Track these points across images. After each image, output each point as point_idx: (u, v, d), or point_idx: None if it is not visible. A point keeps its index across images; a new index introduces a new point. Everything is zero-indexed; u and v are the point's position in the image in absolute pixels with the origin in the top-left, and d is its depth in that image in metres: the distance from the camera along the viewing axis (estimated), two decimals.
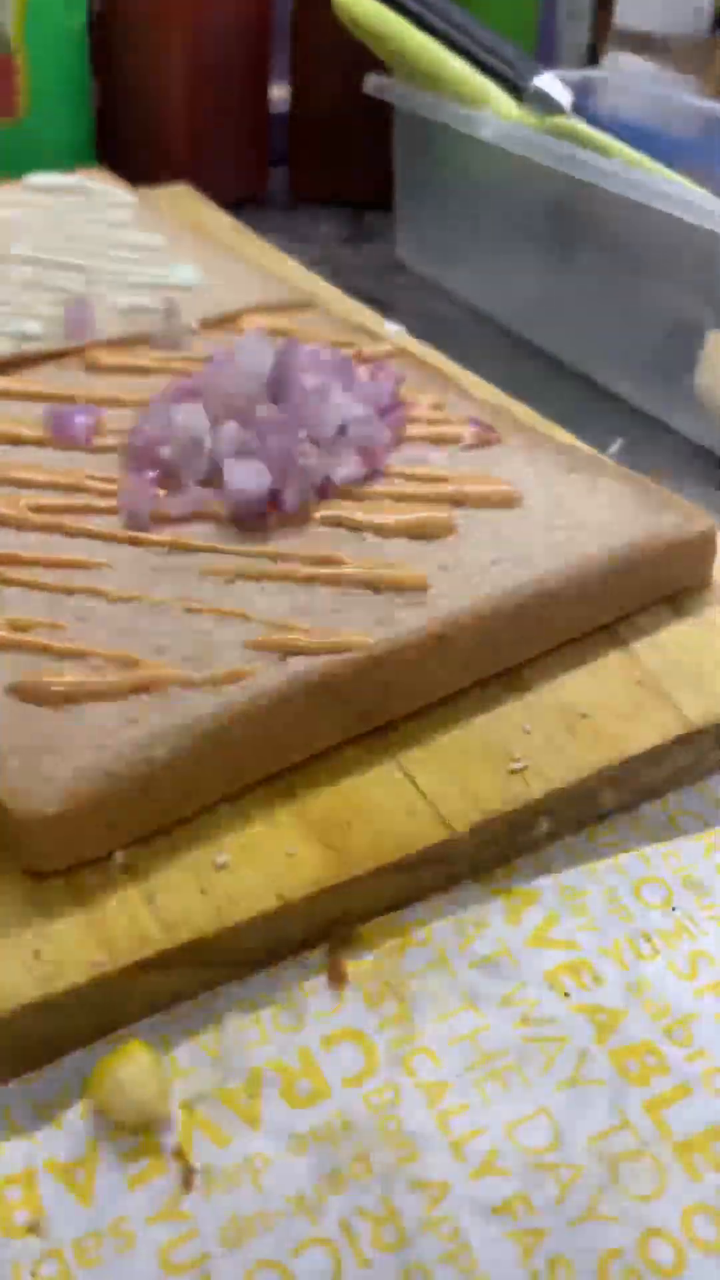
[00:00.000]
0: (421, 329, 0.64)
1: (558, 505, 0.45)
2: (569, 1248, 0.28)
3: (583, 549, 0.42)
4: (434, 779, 0.37)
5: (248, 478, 0.42)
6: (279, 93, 0.95)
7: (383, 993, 0.33)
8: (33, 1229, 0.27)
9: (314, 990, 0.33)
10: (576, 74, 0.83)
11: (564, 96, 0.71)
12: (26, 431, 0.48)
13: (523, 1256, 0.28)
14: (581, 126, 0.67)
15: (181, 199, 0.81)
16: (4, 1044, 0.29)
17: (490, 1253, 0.28)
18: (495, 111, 0.71)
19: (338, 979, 0.33)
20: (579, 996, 0.33)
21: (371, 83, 0.78)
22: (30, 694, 0.34)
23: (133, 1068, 0.30)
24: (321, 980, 0.33)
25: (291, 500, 0.42)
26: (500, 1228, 0.28)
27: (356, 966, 0.33)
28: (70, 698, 0.34)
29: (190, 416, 0.44)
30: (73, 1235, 0.27)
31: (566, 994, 0.33)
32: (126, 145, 0.90)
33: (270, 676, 0.36)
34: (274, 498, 0.43)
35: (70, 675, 0.35)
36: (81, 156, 0.85)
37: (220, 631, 0.37)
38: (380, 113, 0.83)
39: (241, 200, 0.90)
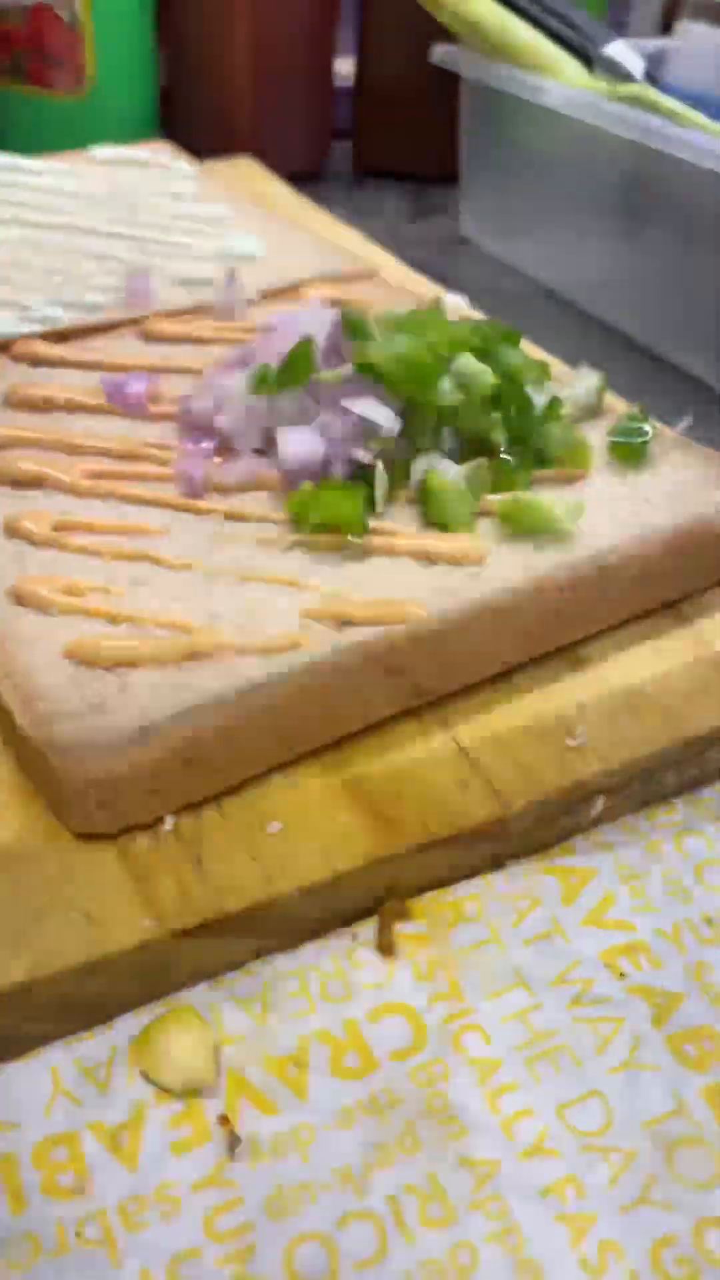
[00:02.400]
0: (485, 304, 0.63)
1: (622, 479, 0.44)
2: (620, 1233, 0.27)
3: (647, 523, 0.41)
4: (489, 754, 0.36)
5: (301, 446, 0.42)
6: (343, 66, 0.95)
7: (432, 967, 0.32)
8: (77, 1190, 0.27)
9: (363, 962, 0.32)
10: (649, 43, 0.81)
11: (636, 64, 0.70)
12: (85, 399, 0.47)
13: (573, 1240, 0.27)
14: (655, 93, 0.65)
15: (244, 171, 0.80)
16: (52, 1005, 0.29)
17: (539, 1235, 0.27)
18: (565, 80, 0.69)
19: (387, 952, 0.32)
20: (635, 978, 0.32)
21: (439, 53, 0.77)
22: (84, 657, 0.34)
23: (180, 1033, 0.29)
24: (371, 953, 0.33)
25: (343, 469, 0.42)
26: (549, 1210, 0.27)
27: (406, 940, 0.33)
28: (123, 662, 0.34)
29: (245, 384, 0.44)
30: (117, 1198, 0.27)
31: (622, 975, 0.32)
32: (191, 118, 0.90)
33: (324, 645, 0.35)
34: (326, 468, 0.42)
35: (124, 640, 0.35)
36: (146, 129, 0.85)
37: (274, 600, 0.37)
38: (446, 86, 0.82)
39: (304, 174, 0.89)
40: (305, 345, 0.43)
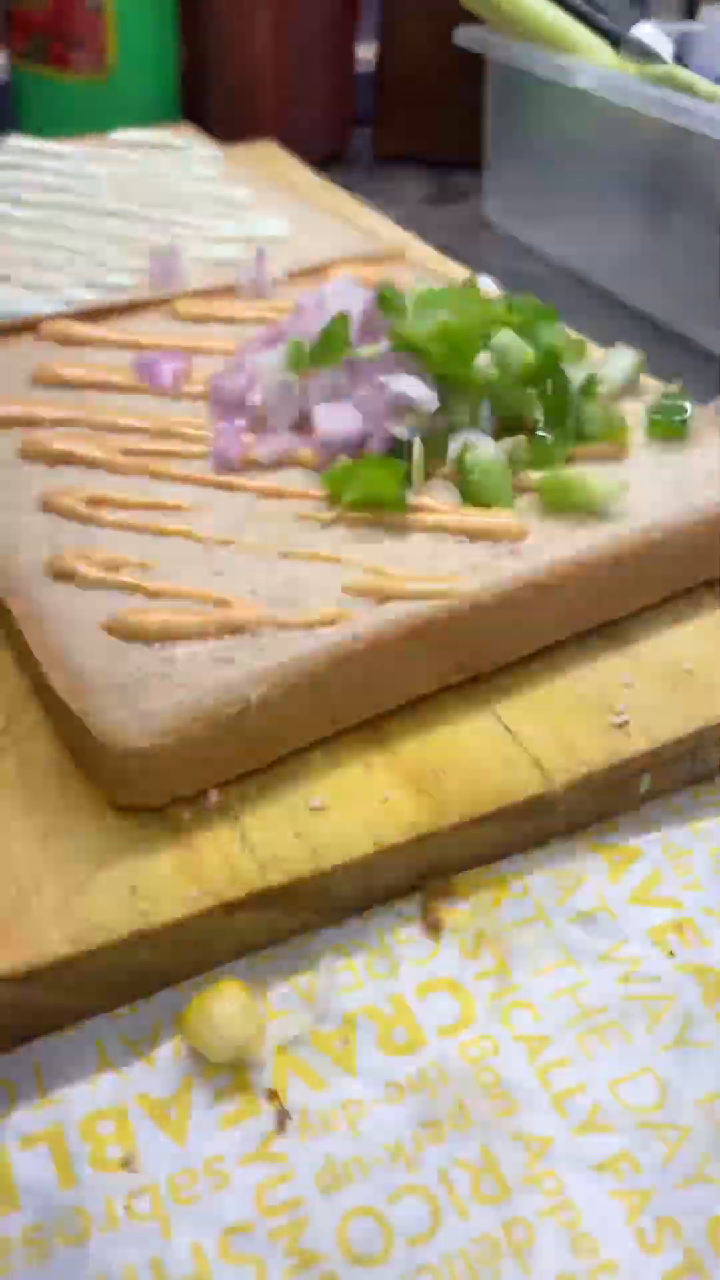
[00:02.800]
0: (509, 286, 0.62)
1: (660, 458, 0.43)
2: (677, 1209, 0.27)
3: (688, 501, 0.41)
4: (532, 730, 0.35)
5: (339, 422, 0.41)
6: (365, 52, 0.94)
7: (478, 944, 0.32)
8: (126, 1163, 0.27)
9: (408, 938, 0.32)
10: (674, 27, 0.80)
11: (665, 46, 0.69)
12: (116, 378, 0.47)
13: (629, 1216, 0.26)
14: (683, 72, 0.64)
15: (266, 155, 0.80)
16: (99, 977, 0.29)
17: (595, 1210, 0.27)
18: (592, 61, 0.69)
19: (433, 928, 0.32)
20: (684, 956, 0.32)
21: (463, 34, 0.77)
22: (125, 631, 0.34)
23: (226, 1006, 0.29)
24: (416, 928, 0.32)
25: (381, 445, 0.41)
26: (604, 1185, 0.27)
27: (451, 916, 0.32)
28: (164, 635, 0.34)
29: (278, 361, 0.44)
30: (166, 1172, 0.27)
31: (671, 953, 0.32)
32: (212, 102, 0.90)
33: (365, 620, 0.35)
34: (363, 444, 0.42)
35: (164, 613, 0.34)
36: (168, 113, 0.85)
37: (314, 575, 0.36)
38: (470, 71, 0.81)
39: (326, 159, 0.89)
40: (341, 320, 0.43)
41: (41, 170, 0.69)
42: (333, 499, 0.39)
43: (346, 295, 0.47)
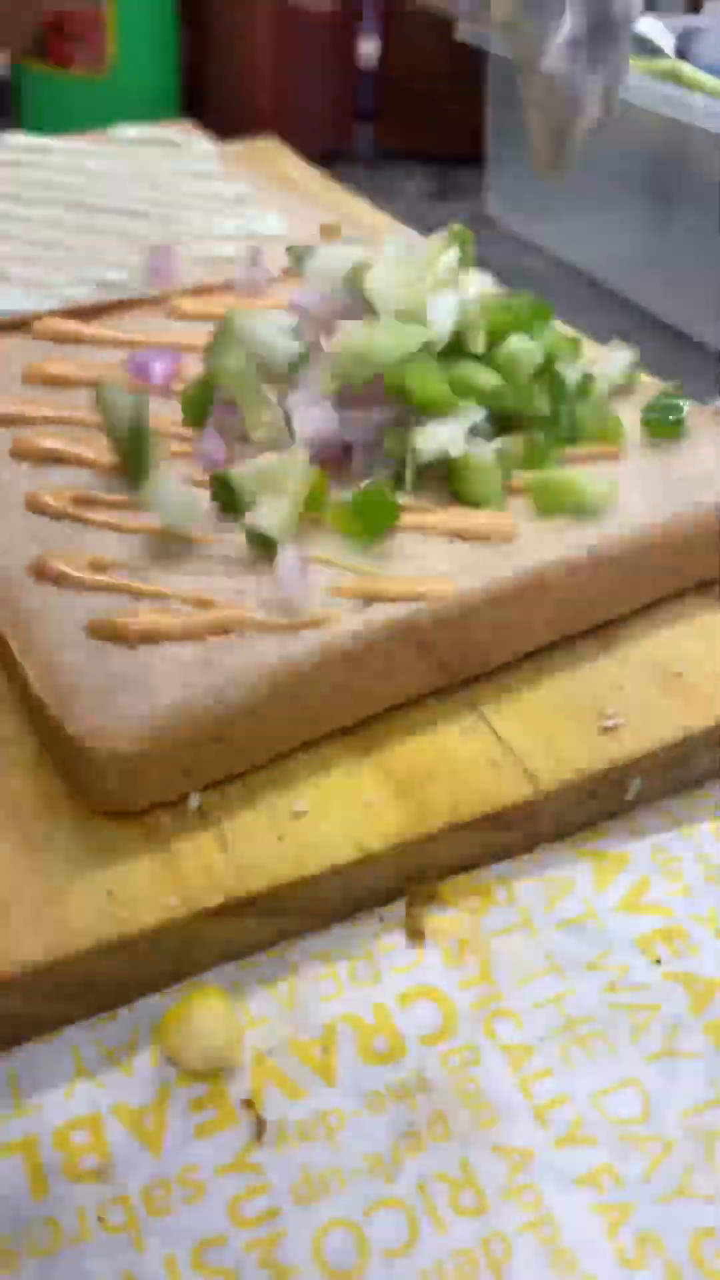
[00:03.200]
0: (512, 283, 0.62)
1: (655, 458, 0.43)
2: (659, 1224, 0.26)
3: (682, 501, 0.40)
4: (520, 734, 0.35)
5: (317, 424, 0.41)
6: (367, 47, 0.94)
7: (463, 951, 0.31)
8: (100, 1174, 0.27)
9: (391, 945, 0.32)
10: (677, 21, 0.79)
11: (666, 40, 0.68)
12: (107, 376, 0.47)
13: (609, 1230, 0.26)
14: (685, 67, 0.63)
15: (268, 152, 0.79)
16: (76, 984, 0.29)
17: (575, 1225, 0.26)
18: None
19: (416, 935, 0.32)
20: (671, 964, 0.31)
21: (464, 30, 0.76)
22: (107, 633, 0.33)
23: (205, 1014, 0.29)
24: (399, 936, 0.32)
25: (365, 460, 0.41)
26: (585, 1199, 0.27)
27: (436, 923, 0.32)
28: (147, 637, 0.33)
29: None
30: (140, 1182, 0.27)
31: (658, 961, 0.31)
32: (213, 98, 0.89)
33: (351, 623, 0.34)
34: (347, 455, 0.41)
35: (147, 615, 0.34)
36: (167, 108, 0.84)
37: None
38: (471, 67, 0.80)
39: (328, 155, 0.88)
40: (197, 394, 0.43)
41: (40, 167, 0.69)
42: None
43: (336, 256, 0.46)
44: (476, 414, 0.41)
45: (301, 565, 0.34)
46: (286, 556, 0.34)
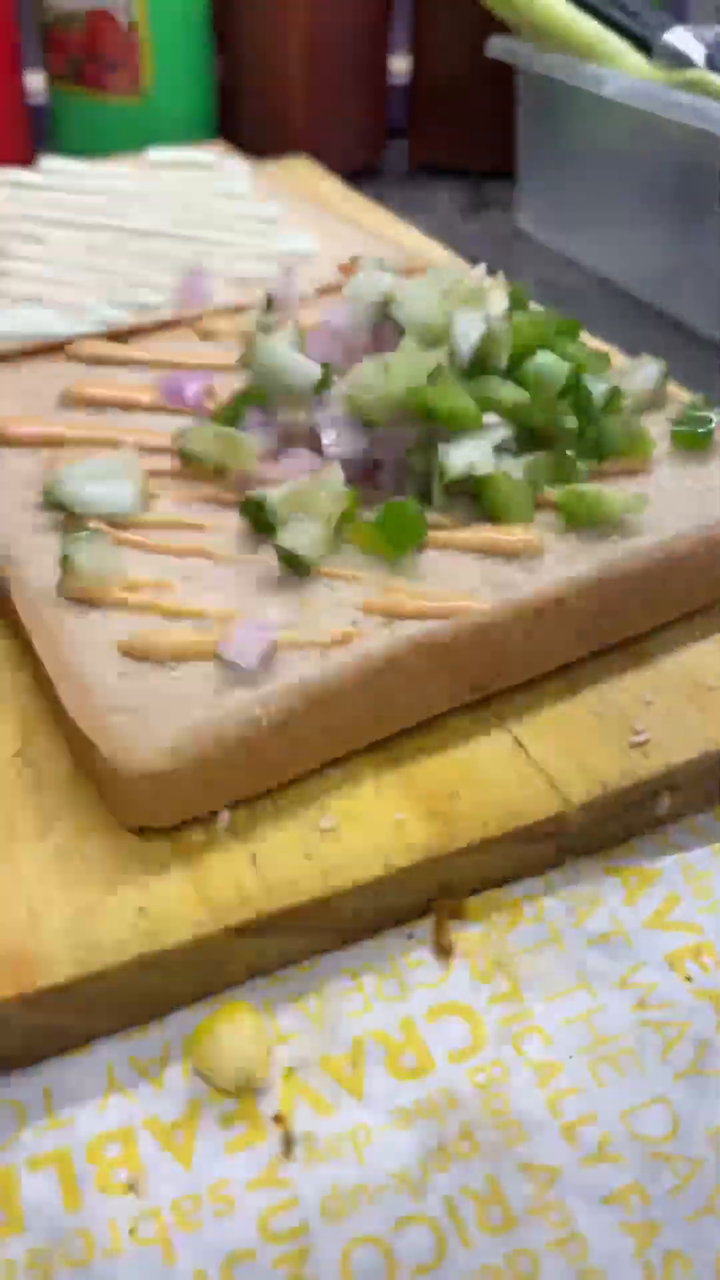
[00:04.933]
0: (543, 295, 0.62)
1: (685, 470, 0.43)
2: (687, 1243, 0.26)
3: (711, 514, 0.40)
4: (548, 750, 0.35)
5: (345, 443, 0.41)
6: (398, 63, 0.94)
7: (490, 968, 0.32)
8: (131, 1187, 0.27)
9: (419, 961, 0.32)
10: (709, 30, 0.79)
11: (697, 51, 0.68)
12: (141, 397, 0.48)
13: (637, 1249, 0.26)
14: (715, 78, 0.63)
15: (300, 170, 0.80)
16: (107, 999, 0.29)
17: (602, 1243, 0.26)
18: (623, 69, 0.68)
19: (444, 951, 0.32)
20: (701, 981, 0.31)
21: (495, 45, 0.76)
22: (138, 652, 0.34)
23: (235, 1030, 0.29)
24: (427, 951, 0.32)
25: (393, 478, 0.41)
26: (613, 1217, 0.27)
27: (464, 939, 0.32)
28: (177, 656, 0.34)
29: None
30: (171, 1196, 0.27)
31: (688, 978, 0.31)
32: (247, 118, 0.90)
33: (378, 640, 0.35)
34: (377, 465, 0.41)
35: (178, 634, 0.34)
36: (202, 130, 0.85)
37: (328, 594, 0.36)
38: (502, 80, 0.81)
39: (360, 171, 0.89)
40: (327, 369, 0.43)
41: (76, 190, 0.70)
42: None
43: (369, 282, 0.46)
44: (503, 430, 0.41)
45: (259, 632, 0.33)
46: (245, 623, 0.34)
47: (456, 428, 0.40)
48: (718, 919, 0.33)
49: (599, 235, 0.76)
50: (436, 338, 0.43)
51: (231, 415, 0.44)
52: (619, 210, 0.73)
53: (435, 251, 0.67)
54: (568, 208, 0.79)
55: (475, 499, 0.40)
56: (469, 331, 0.42)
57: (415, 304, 0.44)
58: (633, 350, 0.55)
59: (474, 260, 0.67)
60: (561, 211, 0.79)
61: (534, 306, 0.53)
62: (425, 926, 0.32)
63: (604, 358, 0.46)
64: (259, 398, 0.43)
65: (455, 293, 0.44)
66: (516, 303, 0.48)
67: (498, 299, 0.46)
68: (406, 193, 0.90)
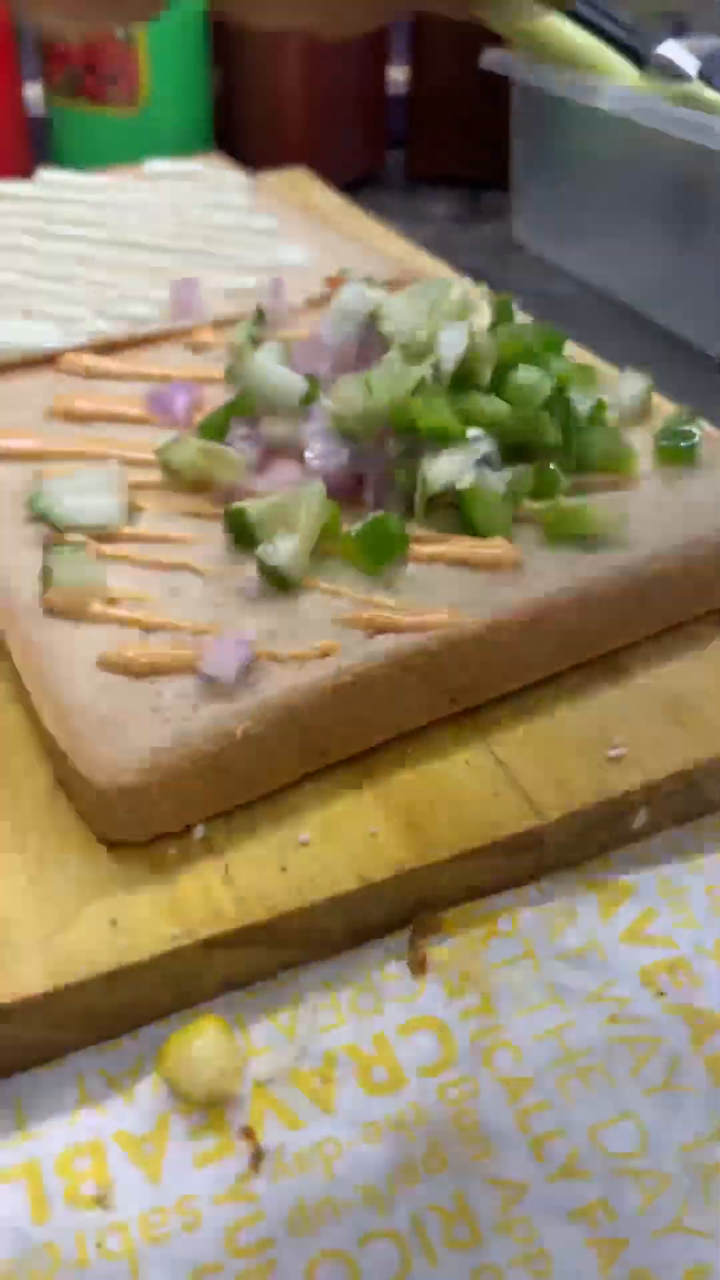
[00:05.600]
0: (538, 307, 0.62)
1: (670, 485, 0.43)
2: (652, 1260, 0.26)
3: (693, 530, 0.40)
4: (525, 764, 0.35)
5: (328, 457, 0.41)
6: (396, 74, 0.95)
7: (464, 982, 0.32)
8: (100, 1200, 0.27)
9: (393, 976, 0.32)
10: (704, 42, 0.79)
11: (689, 64, 0.68)
12: (129, 410, 0.48)
13: (602, 1265, 0.26)
14: (707, 91, 0.64)
15: (297, 182, 0.81)
16: (79, 1012, 0.29)
17: (567, 1259, 0.26)
18: (617, 82, 0.68)
19: (418, 966, 0.32)
20: (675, 996, 0.31)
21: (489, 57, 0.77)
22: (117, 666, 0.34)
23: (206, 1043, 0.29)
24: (401, 966, 0.32)
25: (376, 494, 0.41)
26: (579, 1233, 0.27)
27: (438, 954, 0.32)
28: (154, 671, 0.34)
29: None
30: (139, 1209, 0.27)
31: (661, 993, 0.31)
32: (245, 130, 0.91)
33: (356, 653, 0.35)
34: (360, 480, 0.42)
35: (155, 647, 0.35)
36: (200, 142, 0.86)
37: (307, 607, 0.37)
38: (498, 92, 0.81)
39: (358, 181, 0.89)
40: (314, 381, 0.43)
41: (72, 202, 0.70)
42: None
43: (353, 299, 0.47)
44: (487, 444, 0.41)
45: (238, 646, 0.34)
46: (224, 637, 0.34)
47: (439, 442, 0.41)
48: (694, 934, 0.33)
49: (593, 247, 0.76)
50: (422, 351, 0.43)
51: (217, 428, 0.44)
52: (613, 222, 0.74)
53: (429, 263, 0.67)
54: (563, 219, 0.79)
55: (458, 512, 0.40)
56: (453, 345, 0.42)
57: (401, 317, 0.44)
58: (626, 361, 0.55)
59: (469, 271, 0.68)
60: (556, 223, 0.80)
61: (522, 318, 0.53)
62: (400, 940, 0.33)
63: (590, 371, 0.46)
64: (245, 410, 0.44)
65: (441, 306, 0.45)
66: (503, 315, 0.48)
67: (484, 311, 0.46)
68: (404, 203, 0.90)
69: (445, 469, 0.40)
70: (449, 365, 0.42)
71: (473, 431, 0.42)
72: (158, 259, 0.63)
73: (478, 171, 0.92)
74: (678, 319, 0.70)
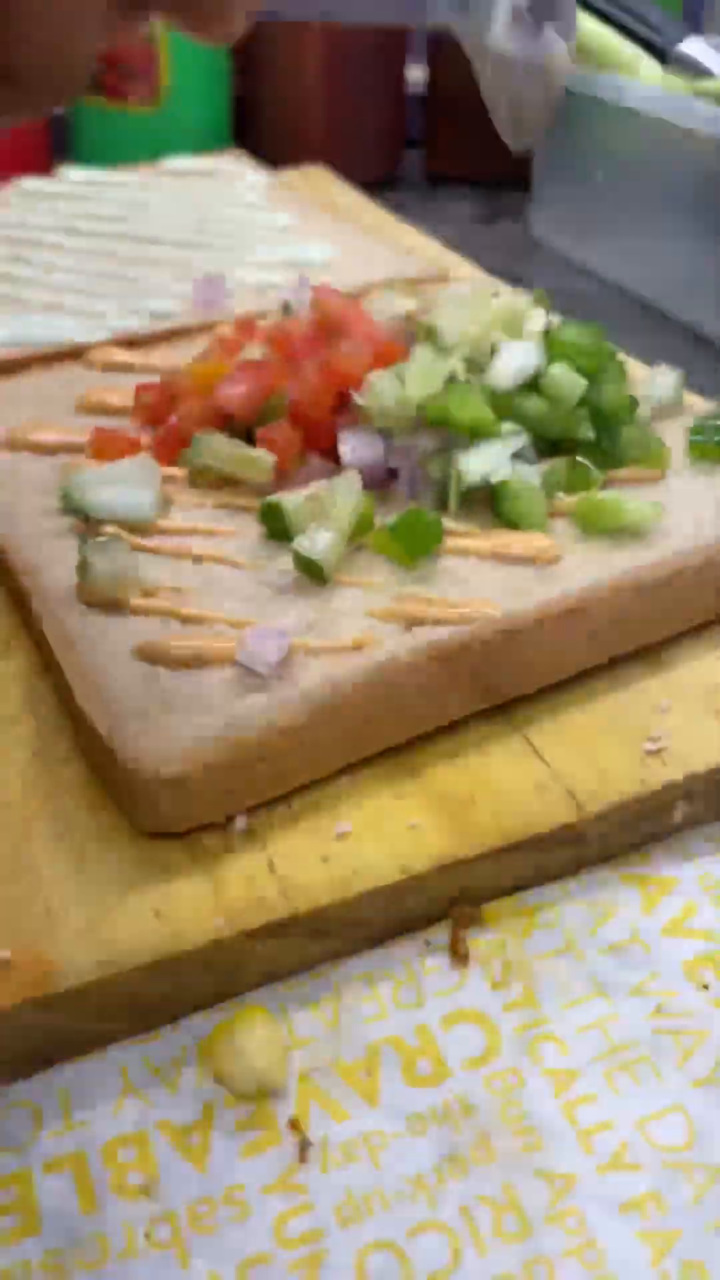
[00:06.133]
0: (559, 304, 0.62)
1: (703, 479, 0.43)
2: (704, 1252, 0.26)
3: None
4: (564, 757, 0.35)
5: (362, 451, 0.41)
6: (415, 73, 0.95)
7: (506, 974, 0.31)
8: (145, 1191, 0.27)
9: (435, 968, 0.32)
10: None
11: (713, 61, 0.68)
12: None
13: (654, 1258, 0.26)
14: None
15: (317, 179, 0.81)
16: (123, 1002, 0.29)
17: (619, 1251, 0.26)
18: (639, 78, 0.68)
19: (460, 958, 0.32)
20: (718, 989, 0.31)
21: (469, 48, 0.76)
22: (154, 656, 0.34)
23: (250, 1034, 0.29)
24: (443, 958, 0.32)
25: (411, 487, 0.41)
26: (630, 1226, 0.26)
27: (479, 946, 0.32)
28: (194, 662, 0.34)
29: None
30: (186, 1200, 0.27)
31: (705, 986, 0.31)
32: (264, 127, 0.91)
33: (394, 646, 0.35)
34: (394, 473, 0.42)
35: (194, 640, 0.35)
36: (219, 139, 0.86)
37: (343, 600, 0.37)
38: None
39: (377, 181, 0.89)
40: None
41: (94, 199, 0.71)
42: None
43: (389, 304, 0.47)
44: (521, 438, 0.41)
45: (276, 637, 0.34)
46: (262, 629, 0.34)
47: (474, 436, 0.40)
48: None
49: (614, 244, 0.76)
50: (474, 353, 0.43)
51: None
52: (634, 219, 0.74)
53: (455, 262, 0.67)
54: (583, 216, 0.79)
55: (492, 506, 0.40)
56: (520, 365, 0.42)
57: (450, 319, 0.43)
58: (649, 358, 0.55)
59: (490, 270, 0.67)
60: (576, 220, 0.80)
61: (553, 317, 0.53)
62: (441, 933, 0.32)
63: (622, 365, 0.46)
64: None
65: (491, 311, 0.44)
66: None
67: (534, 318, 0.46)
68: (423, 202, 0.90)
69: (480, 462, 0.40)
70: (509, 382, 0.42)
71: (507, 425, 0.42)
72: (180, 255, 0.63)
73: (497, 170, 0.92)
74: (699, 314, 0.70)
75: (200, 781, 0.31)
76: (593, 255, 0.78)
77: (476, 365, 0.43)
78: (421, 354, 0.42)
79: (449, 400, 0.40)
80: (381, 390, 0.41)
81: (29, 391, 0.50)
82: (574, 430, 0.42)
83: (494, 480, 0.40)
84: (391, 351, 0.44)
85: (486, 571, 0.38)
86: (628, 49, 0.70)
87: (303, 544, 0.37)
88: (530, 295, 0.50)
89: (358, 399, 0.41)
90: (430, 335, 0.43)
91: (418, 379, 0.41)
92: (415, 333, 0.45)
